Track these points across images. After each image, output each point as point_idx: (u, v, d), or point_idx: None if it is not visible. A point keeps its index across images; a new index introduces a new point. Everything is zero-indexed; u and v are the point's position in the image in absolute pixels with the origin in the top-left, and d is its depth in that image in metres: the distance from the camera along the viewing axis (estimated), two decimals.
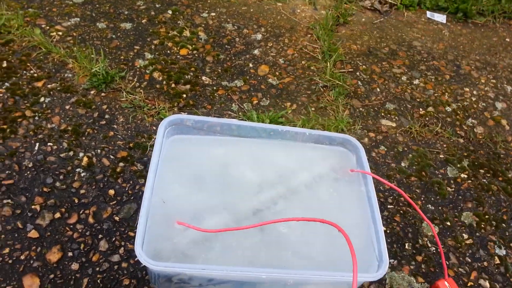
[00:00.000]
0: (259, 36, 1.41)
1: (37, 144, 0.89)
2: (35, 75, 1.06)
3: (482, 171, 1.09)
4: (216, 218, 0.72)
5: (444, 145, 1.14)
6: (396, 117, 1.19)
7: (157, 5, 1.45)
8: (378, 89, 1.28)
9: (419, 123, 1.18)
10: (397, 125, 1.16)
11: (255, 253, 0.71)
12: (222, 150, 0.84)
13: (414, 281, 0.83)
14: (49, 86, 1.04)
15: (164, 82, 1.12)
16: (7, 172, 0.83)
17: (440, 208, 0.97)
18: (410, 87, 1.32)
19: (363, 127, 1.13)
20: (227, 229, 0.67)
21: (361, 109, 1.19)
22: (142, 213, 0.63)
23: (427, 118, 1.21)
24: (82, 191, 0.83)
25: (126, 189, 0.84)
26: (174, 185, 0.74)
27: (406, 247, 0.88)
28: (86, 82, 1.06)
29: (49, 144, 0.90)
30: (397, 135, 1.14)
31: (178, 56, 1.23)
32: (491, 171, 1.10)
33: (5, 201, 0.79)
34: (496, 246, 0.93)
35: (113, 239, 0.77)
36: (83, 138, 0.92)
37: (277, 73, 1.26)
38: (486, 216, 0.98)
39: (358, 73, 1.33)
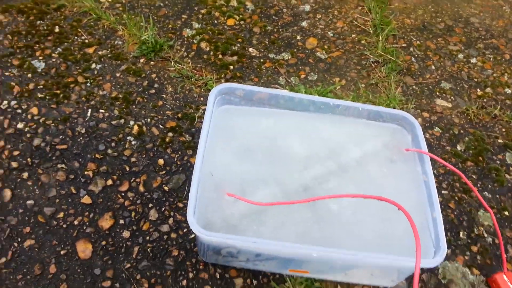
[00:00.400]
0: (307, 7, 1.36)
1: (89, 110, 0.90)
2: (86, 41, 1.06)
3: None
4: (266, 190, 0.71)
5: (503, 129, 1.07)
6: (452, 97, 1.12)
7: None
8: (433, 67, 1.21)
9: (477, 105, 1.11)
10: (453, 106, 1.10)
11: (306, 229, 0.69)
12: (272, 122, 0.82)
13: (469, 272, 0.79)
14: (100, 52, 1.04)
15: (211, 53, 1.10)
16: (60, 137, 0.84)
17: (497, 196, 0.92)
18: (467, 66, 1.24)
19: (417, 106, 1.08)
20: (278, 202, 0.65)
21: (414, 87, 1.13)
22: (193, 183, 0.62)
23: (485, 100, 1.14)
24: (133, 159, 0.83)
25: (175, 160, 0.84)
26: (224, 156, 0.73)
27: (461, 236, 0.84)
28: (136, 50, 1.06)
29: (100, 111, 0.90)
30: (453, 116, 1.08)
31: (225, 27, 1.21)
32: None
33: (59, 166, 0.80)
34: None
35: (163, 209, 0.77)
36: (133, 106, 0.92)
37: (325, 47, 1.22)
38: None
39: (411, 49, 1.26)
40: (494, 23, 1.46)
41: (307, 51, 1.19)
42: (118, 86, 0.96)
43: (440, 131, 1.03)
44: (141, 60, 1.03)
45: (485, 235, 0.85)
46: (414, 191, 0.75)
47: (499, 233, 0.75)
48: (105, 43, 1.06)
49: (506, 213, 0.89)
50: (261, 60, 1.13)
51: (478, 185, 0.93)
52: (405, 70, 1.18)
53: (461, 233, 0.84)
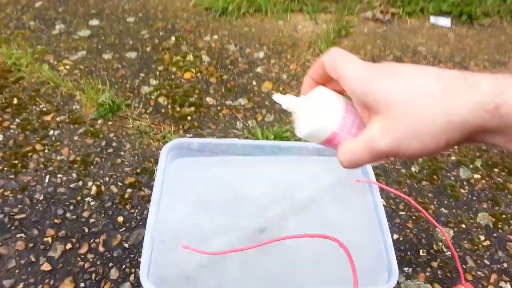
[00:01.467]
0: (261, 55, 1.43)
1: (47, 176, 0.92)
2: (44, 109, 1.09)
3: (496, 170, 1.06)
4: (222, 239, 0.72)
5: (455, 147, 1.12)
6: None
7: (160, 33, 1.48)
8: None
9: None
10: None
11: (267, 272, 0.70)
12: (226, 170, 0.84)
13: None
14: (58, 119, 1.07)
15: (169, 106, 1.14)
16: (19, 206, 0.85)
17: (454, 211, 0.95)
18: None
19: None
20: (232, 250, 0.67)
21: None
22: (146, 241, 0.63)
23: None
24: (92, 220, 0.84)
25: (135, 215, 0.86)
26: (180, 209, 0.75)
27: (421, 253, 0.86)
28: (93, 112, 1.09)
29: (59, 175, 0.92)
30: None
31: (182, 80, 1.26)
32: (506, 169, 1.07)
33: (18, 236, 0.81)
34: None
35: (123, 266, 0.78)
36: (92, 167, 0.94)
37: (280, 88, 1.27)
38: (503, 216, 0.95)
39: None
40: (440, 49, 1.56)
41: (263, 95, 1.24)
42: (76, 149, 0.98)
43: None
44: (99, 122, 1.06)
45: (444, 249, 0.86)
46: (367, 219, 0.77)
47: (451, 247, 0.76)
48: (63, 109, 1.10)
49: (463, 225, 0.92)
50: (218, 107, 1.17)
51: (435, 202, 0.96)
52: None
53: (421, 250, 0.86)
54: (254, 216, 0.77)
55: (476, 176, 1.04)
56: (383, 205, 0.93)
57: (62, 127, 1.04)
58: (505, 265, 0.86)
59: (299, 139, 1.06)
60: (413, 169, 1.04)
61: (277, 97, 0.44)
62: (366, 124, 0.37)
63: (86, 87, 1.15)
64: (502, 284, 0.83)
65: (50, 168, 0.93)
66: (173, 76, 1.27)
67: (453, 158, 1.08)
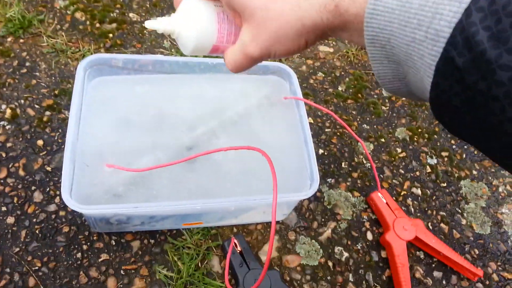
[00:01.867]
0: None
1: None
2: None
3: None
4: (149, 158, 0.71)
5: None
6: (333, 43, 1.18)
7: None
8: None
9: (356, 47, 1.19)
10: (335, 50, 1.16)
11: (195, 186, 0.71)
12: (151, 88, 0.81)
13: (351, 195, 0.87)
14: None
15: (88, 22, 1.05)
16: None
17: (375, 126, 1.01)
18: None
19: (301, 55, 1.13)
20: (156, 166, 0.67)
21: None
22: (66, 159, 0.61)
23: None
24: (9, 144, 0.79)
25: (56, 138, 0.81)
26: (102, 129, 0.72)
27: (343, 165, 0.91)
28: (2, 28, 0.98)
29: None
30: (335, 60, 1.14)
31: None
32: None
33: None
34: (428, 156, 0.99)
35: (47, 189, 0.75)
36: (4, 89, 0.87)
37: None
38: (419, 130, 1.03)
39: None
40: None
41: None
42: None
43: (323, 75, 1.09)
44: (9, 39, 0.96)
45: (364, 161, 0.93)
46: (293, 134, 0.80)
47: (369, 158, 0.83)
48: None
49: (383, 140, 0.98)
50: (143, 24, 1.10)
51: (358, 119, 1.01)
52: None
53: (343, 163, 0.92)
54: (181, 134, 0.77)
55: None
56: (311, 123, 0.96)
57: None
58: (417, 173, 0.95)
59: None
60: (340, 88, 1.07)
61: (148, 23, 0.44)
62: (240, 28, 0.40)
63: None
64: (414, 189, 0.92)
65: None
66: None
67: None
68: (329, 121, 0.98)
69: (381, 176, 0.92)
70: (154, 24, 0.43)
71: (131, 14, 1.11)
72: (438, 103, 0.28)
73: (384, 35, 0.30)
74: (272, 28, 0.35)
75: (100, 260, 0.70)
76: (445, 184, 0.95)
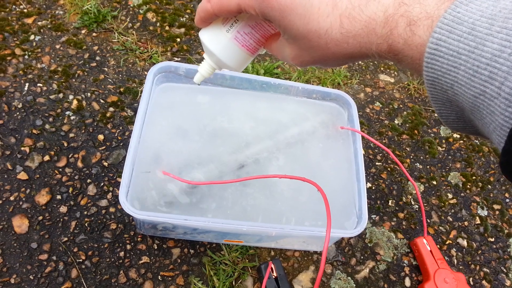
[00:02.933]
0: None
1: (27, 84, 0.88)
2: (25, 10, 1.02)
3: None
4: (203, 169, 0.73)
5: None
6: (395, 72, 1.16)
7: None
8: None
9: (418, 80, 1.16)
10: (396, 81, 1.14)
11: (240, 203, 0.72)
12: (213, 100, 0.83)
13: (394, 236, 0.85)
14: (39, 23, 1.00)
15: (158, 24, 1.08)
16: None
17: (428, 167, 0.98)
18: None
19: (361, 81, 1.11)
20: (211, 182, 0.68)
21: (360, 62, 1.16)
22: (128, 162, 0.64)
23: None
24: (71, 135, 0.83)
25: (116, 135, 0.85)
26: (162, 135, 0.74)
27: (390, 203, 0.89)
28: (77, 20, 1.03)
29: (38, 84, 0.88)
30: (394, 91, 1.12)
31: None
32: None
33: None
34: (479, 206, 0.95)
35: (102, 184, 0.78)
36: (73, 80, 0.91)
37: None
38: (473, 177, 0.99)
39: None
40: None
41: None
42: (58, 59, 0.94)
43: (381, 105, 1.07)
44: (83, 32, 1.01)
45: (412, 202, 0.91)
46: (346, 166, 0.79)
47: (420, 201, 0.81)
48: (45, 13, 1.02)
49: (434, 182, 0.95)
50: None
51: (411, 157, 0.98)
52: None
53: (390, 201, 0.90)
54: (236, 150, 0.78)
55: (455, 135, 1.06)
56: (363, 153, 0.95)
57: (43, 32, 0.98)
58: (466, 223, 0.91)
59: (289, 78, 1.04)
60: (396, 121, 1.05)
61: (196, 79, 0.50)
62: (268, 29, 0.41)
63: None
64: (459, 240, 0.89)
65: (30, 76, 0.89)
66: None
67: (436, 114, 1.09)
68: (381, 154, 0.97)
69: (428, 220, 0.89)
70: (199, 77, 0.49)
71: None
72: (510, 169, 0.26)
73: (446, 80, 0.27)
74: (316, 56, 0.34)
75: (140, 262, 0.72)
76: (493, 239, 0.91)
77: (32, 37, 0.97)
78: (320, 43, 0.32)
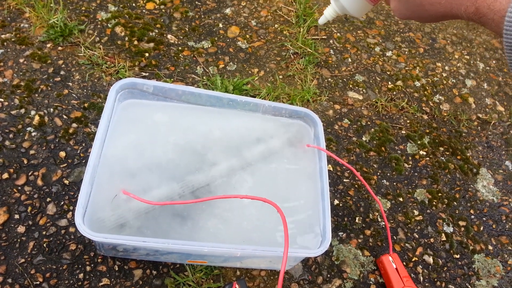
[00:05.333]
0: None
1: None
2: None
3: (441, 148, 1.11)
4: (165, 189, 0.71)
5: (408, 121, 1.15)
6: (363, 90, 1.18)
7: None
8: (350, 59, 1.26)
9: (386, 97, 1.18)
10: (364, 98, 1.16)
11: (202, 225, 0.71)
12: (178, 118, 0.82)
13: (360, 254, 0.85)
14: (3, 36, 0.98)
15: (127, 39, 1.07)
16: None
17: (395, 183, 0.99)
18: (382, 59, 1.30)
19: (330, 98, 1.12)
20: (173, 202, 0.67)
21: (329, 79, 1.18)
22: (85, 181, 0.62)
23: (394, 92, 1.21)
24: (32, 152, 0.80)
25: (78, 152, 0.83)
26: (124, 153, 0.73)
27: (357, 220, 0.90)
28: (43, 34, 1.00)
29: (0, 99, 0.86)
30: (363, 108, 1.13)
31: (144, 11, 1.18)
32: (451, 149, 1.12)
33: None
34: (444, 223, 0.96)
35: (62, 203, 0.76)
36: (36, 95, 0.89)
37: (247, 36, 1.22)
38: (439, 194, 1.01)
39: (331, 41, 1.30)
40: None
41: (228, 40, 1.19)
42: (21, 73, 0.91)
43: (349, 122, 1.08)
44: (48, 45, 0.99)
45: (379, 219, 0.91)
46: (310, 184, 0.79)
47: (385, 218, 0.81)
48: (10, 26, 1.00)
49: (401, 199, 0.97)
50: (180, 48, 1.11)
51: (378, 174, 0.99)
52: (322, 63, 1.22)
53: (357, 218, 0.90)
54: (200, 168, 0.77)
55: (422, 152, 1.08)
56: (330, 170, 0.95)
57: (7, 46, 0.96)
58: (432, 240, 0.92)
59: (260, 92, 1.03)
60: (364, 138, 1.06)
61: (321, 20, 0.55)
62: None
63: (37, 4, 1.05)
64: (425, 257, 0.89)
65: None
66: (134, 4, 1.18)
67: (403, 132, 1.11)
68: (348, 171, 0.97)
69: (394, 237, 0.90)
70: (323, 19, 0.54)
71: (169, 36, 1.13)
72: None
73: None
74: (413, 12, 0.39)
75: (100, 284, 0.70)
76: (458, 256, 0.92)
77: None
78: (416, 1, 0.37)
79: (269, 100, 1.05)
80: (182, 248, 0.63)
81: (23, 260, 0.69)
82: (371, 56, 1.29)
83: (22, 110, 0.85)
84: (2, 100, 0.86)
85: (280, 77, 1.13)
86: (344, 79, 1.19)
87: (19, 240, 0.71)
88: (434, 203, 0.99)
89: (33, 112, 0.86)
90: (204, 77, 1.06)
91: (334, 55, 1.25)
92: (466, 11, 0.35)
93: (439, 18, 0.39)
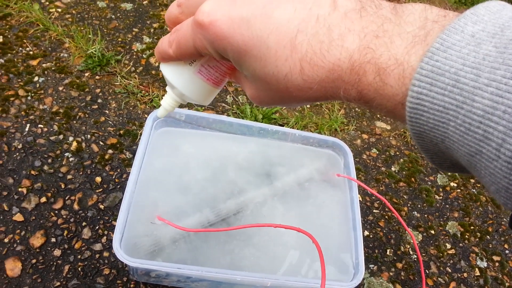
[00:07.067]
0: None
1: (28, 125, 0.89)
2: (31, 52, 1.05)
3: (472, 180, 1.09)
4: (198, 215, 0.72)
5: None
6: (391, 120, 1.18)
7: None
8: None
9: None
10: (392, 128, 1.16)
11: (235, 252, 0.71)
12: (210, 145, 0.84)
13: (392, 287, 0.84)
14: (44, 65, 1.03)
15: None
16: None
17: (426, 215, 0.97)
18: None
19: (357, 128, 1.13)
20: (206, 229, 0.67)
21: (357, 109, 1.18)
22: (123, 208, 0.63)
23: None
24: (69, 177, 0.83)
25: (113, 177, 0.85)
26: (159, 180, 0.75)
27: (388, 253, 0.88)
28: (81, 63, 1.05)
29: (39, 125, 0.89)
30: (391, 138, 1.13)
31: None
32: None
33: None
34: (478, 257, 0.94)
35: (97, 227, 0.78)
36: (74, 121, 0.92)
37: None
38: (471, 227, 0.99)
39: None
40: None
41: None
42: (60, 101, 0.95)
43: (377, 152, 1.08)
44: (86, 74, 1.03)
45: (411, 252, 0.89)
46: (341, 215, 0.79)
47: (418, 252, 0.79)
48: (50, 55, 1.05)
49: (432, 231, 0.95)
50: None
51: (409, 205, 0.98)
52: None
53: (388, 250, 0.89)
54: (232, 196, 0.78)
55: (452, 184, 1.06)
56: (359, 200, 0.95)
57: (47, 74, 1.00)
58: (465, 274, 0.90)
59: (288, 121, 1.05)
60: (393, 168, 1.05)
61: (159, 113, 0.44)
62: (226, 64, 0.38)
63: (76, 35, 1.10)
64: None
65: (32, 117, 0.90)
66: None
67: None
68: (378, 202, 0.96)
69: (427, 271, 0.88)
70: (162, 111, 0.44)
71: None
72: None
73: (435, 134, 0.24)
74: (276, 98, 0.31)
75: None
76: None
77: (36, 78, 0.99)
78: (279, 87, 0.29)
79: (297, 129, 1.06)
80: (214, 276, 0.63)
81: (58, 284, 0.71)
82: None
83: (61, 136, 0.89)
84: (41, 126, 0.90)
85: (308, 106, 1.15)
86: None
87: (55, 264, 0.73)
88: (466, 236, 0.96)
89: (71, 138, 0.89)
90: (234, 106, 1.08)
91: None
92: (347, 95, 0.27)
93: (311, 102, 0.31)
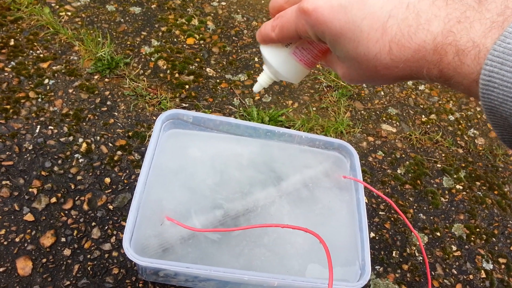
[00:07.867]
0: None
1: (38, 126, 0.90)
2: (41, 55, 1.07)
3: (478, 183, 1.09)
4: (206, 215, 0.73)
5: (443, 155, 1.14)
6: (397, 123, 1.19)
7: None
8: (382, 93, 1.27)
9: (420, 130, 1.18)
10: (398, 131, 1.16)
11: (242, 252, 0.72)
12: (218, 147, 0.85)
13: None
14: (54, 68, 1.04)
15: (168, 71, 1.12)
16: (7, 153, 0.85)
17: (431, 218, 0.98)
18: (415, 93, 1.31)
19: (363, 130, 1.13)
20: (214, 229, 0.68)
21: (362, 112, 1.19)
22: (133, 208, 0.64)
23: (428, 126, 1.21)
24: (79, 177, 0.84)
25: (122, 178, 0.86)
26: (167, 181, 0.76)
27: (394, 254, 0.89)
28: (91, 66, 1.07)
29: (50, 127, 0.91)
30: (396, 141, 1.14)
31: (185, 45, 1.23)
32: (487, 183, 1.10)
33: (3, 182, 0.81)
34: (483, 260, 0.94)
35: (106, 227, 0.79)
36: (84, 123, 0.94)
37: None
38: (477, 229, 0.99)
39: None
40: None
41: None
42: (70, 103, 0.97)
43: (383, 154, 1.09)
44: (96, 77, 1.05)
45: (417, 254, 0.90)
46: (348, 216, 0.79)
47: (424, 254, 0.80)
48: (60, 58, 1.07)
49: (438, 233, 0.95)
50: (218, 80, 1.16)
51: (414, 207, 0.99)
52: (355, 95, 1.24)
53: (394, 252, 0.89)
54: (239, 197, 0.79)
55: (458, 186, 1.07)
56: (365, 202, 0.95)
57: (57, 77, 1.02)
58: (471, 276, 0.90)
59: (295, 123, 1.06)
60: (399, 171, 1.06)
61: (255, 88, 0.51)
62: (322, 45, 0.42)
63: (86, 38, 1.12)
64: None
65: (42, 119, 0.92)
66: (175, 40, 1.25)
67: (438, 165, 1.11)
68: (384, 204, 0.97)
69: (433, 273, 0.88)
70: (258, 86, 0.50)
71: (208, 69, 1.18)
72: None
73: (504, 108, 0.27)
74: (365, 77, 0.36)
75: None
76: None
77: (46, 81, 1.00)
78: (369, 66, 0.33)
79: (304, 131, 1.07)
80: (222, 275, 0.64)
81: (68, 283, 0.72)
82: (403, 89, 1.31)
83: (71, 138, 0.90)
84: (52, 127, 0.91)
85: (314, 109, 1.15)
86: (377, 112, 1.20)
87: (65, 263, 0.74)
88: (472, 238, 0.97)
89: (80, 140, 0.90)
90: (241, 108, 1.09)
91: (366, 88, 1.27)
92: (429, 74, 0.31)
93: (397, 80, 0.35)
